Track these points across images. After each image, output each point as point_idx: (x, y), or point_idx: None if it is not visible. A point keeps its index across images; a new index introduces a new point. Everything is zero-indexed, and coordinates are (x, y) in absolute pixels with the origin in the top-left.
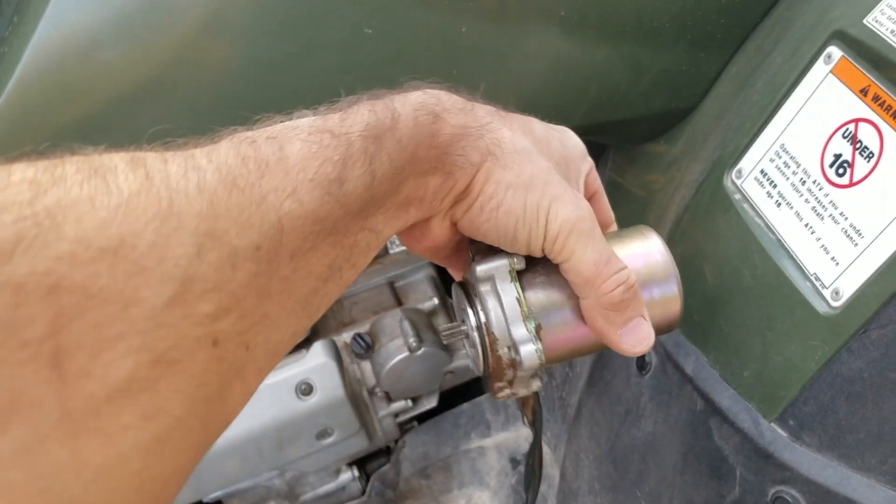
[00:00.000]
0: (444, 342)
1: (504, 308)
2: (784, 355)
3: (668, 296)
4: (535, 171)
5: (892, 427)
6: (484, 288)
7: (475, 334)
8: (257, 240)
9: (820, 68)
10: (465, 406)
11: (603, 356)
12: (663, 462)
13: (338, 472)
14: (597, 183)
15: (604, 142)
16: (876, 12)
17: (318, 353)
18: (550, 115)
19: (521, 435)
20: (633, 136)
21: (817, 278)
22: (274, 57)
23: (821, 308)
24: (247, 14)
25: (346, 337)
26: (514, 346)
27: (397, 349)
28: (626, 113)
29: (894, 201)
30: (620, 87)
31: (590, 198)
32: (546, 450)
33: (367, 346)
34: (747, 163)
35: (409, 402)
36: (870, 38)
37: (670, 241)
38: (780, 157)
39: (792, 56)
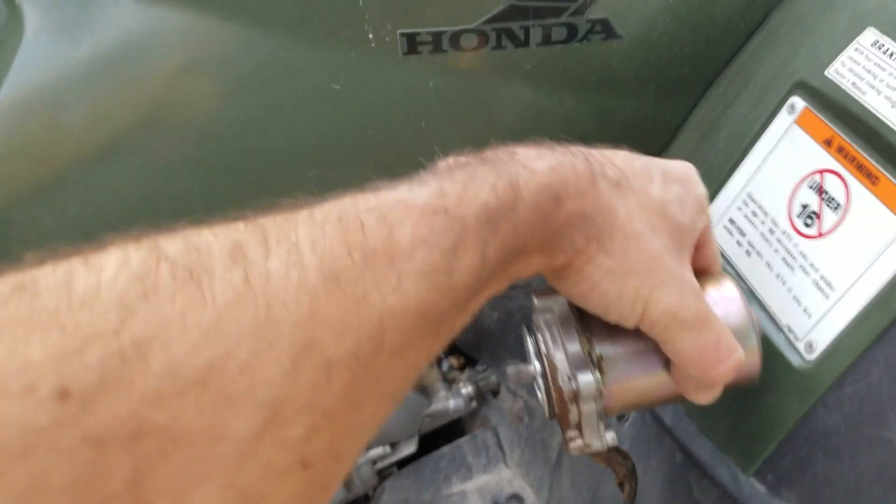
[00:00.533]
0: (512, 385)
1: (563, 335)
2: (760, 409)
3: (748, 350)
4: (640, 256)
5: (869, 482)
6: (544, 318)
7: (537, 365)
8: (355, 346)
9: (784, 118)
10: (446, 449)
11: None
12: None
13: None
14: (706, 236)
15: None
16: (836, 64)
17: None
18: None
19: (503, 477)
20: None
21: (790, 330)
22: (240, 115)
23: (795, 361)
24: (211, 75)
25: None
26: (573, 376)
27: None
28: None
29: (863, 254)
30: (587, 136)
31: (698, 249)
32: (529, 492)
33: None
34: (716, 210)
35: (388, 448)
36: (831, 89)
37: None
38: (748, 206)
39: (756, 105)
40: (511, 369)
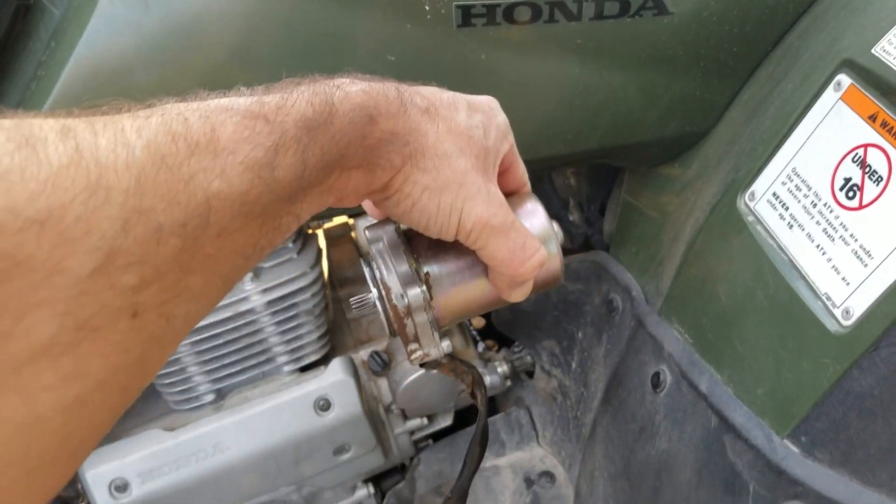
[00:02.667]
0: (355, 314)
1: (392, 259)
2: (796, 373)
3: (550, 255)
4: (452, 173)
5: None
6: (375, 247)
7: (374, 291)
8: (183, 217)
9: (830, 95)
10: None
11: (618, 375)
12: (678, 479)
13: (354, 488)
14: (513, 157)
15: (619, 165)
16: (884, 42)
17: (336, 370)
18: (566, 139)
19: (535, 455)
20: (647, 159)
21: (828, 298)
22: None
23: (832, 327)
24: (273, 42)
25: (363, 354)
26: (404, 293)
27: (413, 367)
28: (641, 137)
29: None
30: (635, 113)
31: (506, 170)
32: (561, 470)
33: (384, 364)
34: (760, 186)
35: (425, 420)
36: (878, 66)
37: (685, 263)
38: (792, 181)
39: (802, 83)
40: (353, 300)
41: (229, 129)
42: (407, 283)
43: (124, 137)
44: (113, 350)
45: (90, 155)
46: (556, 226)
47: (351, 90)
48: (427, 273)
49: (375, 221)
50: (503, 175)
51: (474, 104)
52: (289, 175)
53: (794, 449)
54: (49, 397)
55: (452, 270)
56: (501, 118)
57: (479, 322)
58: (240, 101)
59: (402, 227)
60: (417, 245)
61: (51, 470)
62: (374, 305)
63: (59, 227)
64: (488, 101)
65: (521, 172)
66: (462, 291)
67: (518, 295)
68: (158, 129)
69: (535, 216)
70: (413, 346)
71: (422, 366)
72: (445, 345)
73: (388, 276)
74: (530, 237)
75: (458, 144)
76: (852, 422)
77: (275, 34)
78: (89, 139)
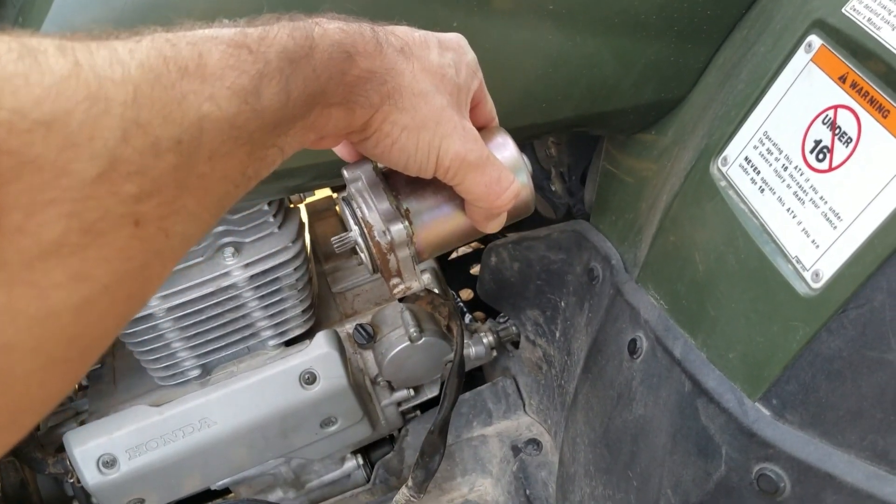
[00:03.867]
0: (337, 251)
1: (373, 197)
2: (767, 336)
3: (521, 185)
4: (429, 111)
5: (870, 404)
6: (355, 186)
7: (355, 229)
8: (178, 134)
9: (801, 57)
10: (467, 395)
11: (597, 343)
12: (653, 443)
13: (343, 460)
14: (482, 93)
15: (597, 133)
16: (853, 1)
17: (320, 344)
18: (542, 108)
19: (522, 423)
20: (623, 126)
21: (798, 261)
22: None
23: (801, 290)
24: (247, 4)
25: (348, 327)
26: (386, 229)
27: (398, 339)
28: (616, 104)
29: (871, 185)
30: (609, 80)
31: (476, 105)
32: (547, 437)
33: (369, 337)
34: (732, 150)
35: (411, 392)
36: (848, 26)
37: (661, 230)
38: (764, 144)
39: (774, 46)
40: (334, 239)
41: (216, 56)
42: (389, 219)
43: (118, 56)
44: (117, 256)
45: (89, 68)
46: (525, 157)
47: (329, 27)
48: (407, 209)
49: (352, 163)
50: (474, 110)
51: (444, 42)
52: (273, 104)
53: (766, 412)
54: (59, 295)
55: (431, 206)
56: (471, 55)
57: (467, 294)
58: (224, 32)
59: (380, 166)
60: (395, 182)
61: (63, 366)
62: (356, 244)
63: (64, 131)
64: (458, 39)
65: (490, 107)
66: (441, 225)
67: (494, 226)
68: (150, 52)
69: (505, 148)
70: (395, 280)
71: (401, 300)
72: (426, 278)
73: (369, 213)
74: (504, 170)
75: (433, 82)
76: (822, 384)
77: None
78: (87, 55)
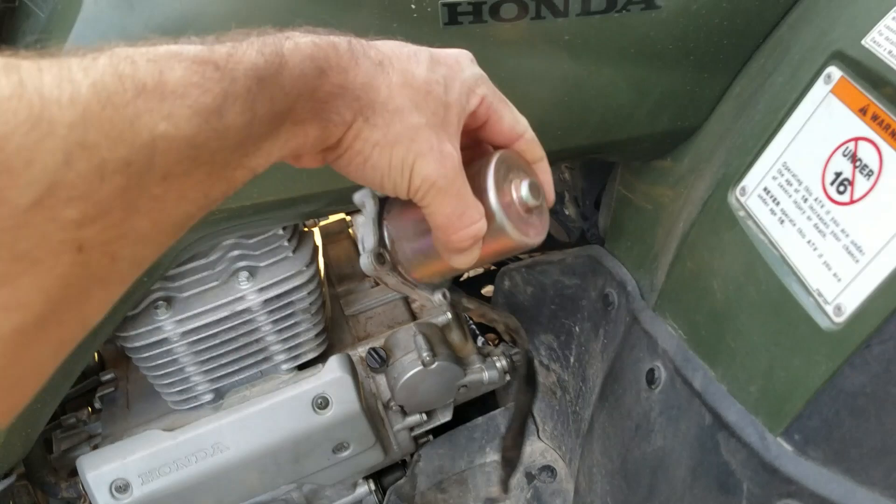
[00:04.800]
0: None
1: (367, 228)
2: (789, 370)
3: (495, 229)
4: (403, 128)
5: (895, 441)
6: (359, 218)
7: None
8: (128, 155)
9: (820, 88)
10: (480, 420)
11: (614, 371)
12: (673, 477)
13: (354, 485)
14: (489, 111)
15: (611, 160)
16: (874, 33)
17: (333, 368)
18: (556, 135)
19: (535, 449)
20: (639, 154)
21: (820, 294)
22: None
23: (823, 324)
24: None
25: (361, 351)
26: (372, 262)
27: (411, 363)
28: (631, 132)
29: (894, 219)
30: (625, 108)
31: (484, 123)
32: (562, 464)
33: (381, 361)
34: (751, 180)
35: (424, 416)
36: (868, 58)
37: (678, 258)
38: (783, 175)
39: (792, 76)
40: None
41: (178, 73)
42: (373, 252)
43: (70, 75)
44: (55, 283)
45: (34, 89)
46: (507, 209)
47: (301, 41)
48: (392, 239)
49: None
50: (482, 128)
51: (439, 57)
52: (237, 123)
53: (788, 447)
54: None
55: (409, 234)
56: (469, 72)
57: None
58: (189, 48)
59: (378, 193)
60: (390, 209)
61: None
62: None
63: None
64: (457, 55)
65: (507, 126)
66: (418, 255)
67: (460, 261)
68: (105, 69)
69: (488, 191)
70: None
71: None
72: (436, 297)
73: (361, 245)
74: (472, 207)
75: (414, 99)
76: (845, 420)
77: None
78: (34, 75)
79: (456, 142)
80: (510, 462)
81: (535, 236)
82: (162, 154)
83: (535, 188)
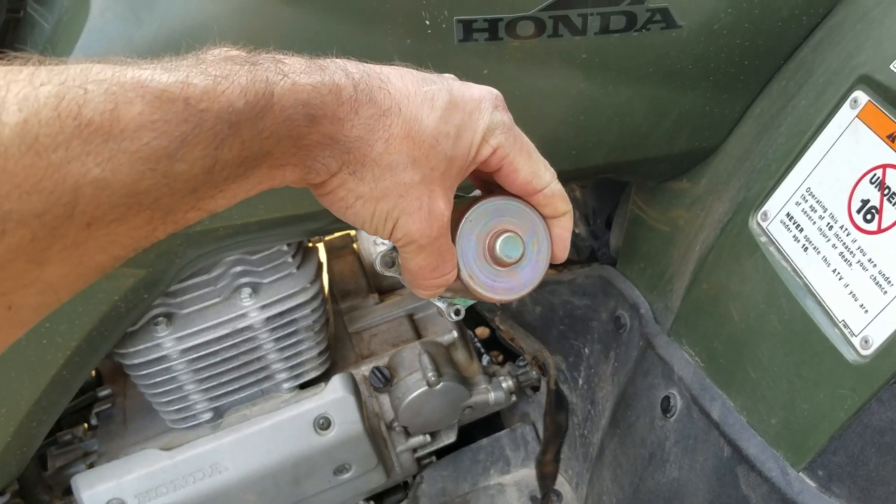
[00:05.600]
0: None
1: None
2: (812, 403)
3: (465, 282)
4: (392, 185)
5: None
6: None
7: None
8: (41, 207)
9: (846, 112)
10: (485, 441)
11: (626, 396)
12: None
13: None
14: (502, 161)
15: (626, 180)
16: None
17: (336, 388)
18: (571, 155)
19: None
20: (654, 174)
21: (846, 325)
22: None
23: (850, 356)
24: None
25: (364, 370)
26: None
27: (416, 383)
28: (648, 153)
29: None
30: (642, 128)
31: (497, 170)
32: (568, 488)
33: (385, 380)
34: (773, 205)
35: (428, 437)
36: None
37: (695, 282)
38: (807, 201)
39: (817, 99)
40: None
41: (135, 110)
42: (380, 256)
43: (4, 105)
44: None
45: None
46: (475, 261)
47: (300, 82)
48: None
49: None
50: (496, 175)
51: (458, 102)
52: (193, 169)
53: (811, 483)
54: None
55: None
56: (487, 120)
57: (483, 332)
58: (162, 78)
59: None
60: None
61: None
62: None
63: None
64: (480, 98)
65: (521, 178)
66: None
67: (420, 293)
68: (46, 103)
69: (456, 244)
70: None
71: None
72: (451, 312)
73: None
74: (447, 262)
75: (412, 154)
76: (871, 457)
77: (283, 33)
78: None
79: (451, 193)
80: (546, 476)
81: (507, 293)
82: (88, 201)
83: (513, 243)
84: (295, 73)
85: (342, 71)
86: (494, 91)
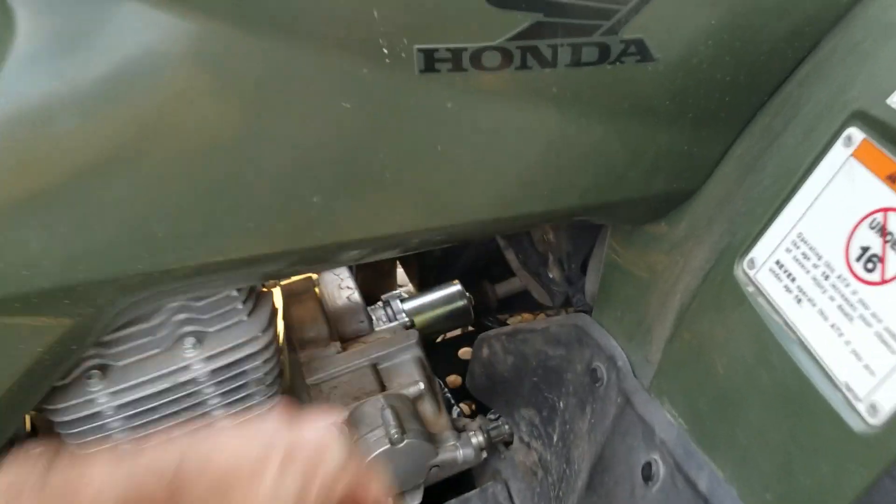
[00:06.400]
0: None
1: None
2: (814, 478)
3: None
4: None
5: None
6: None
7: None
8: None
9: (839, 151)
10: (453, 502)
11: (604, 459)
12: None
13: None
14: (360, 485)
15: (600, 223)
16: None
17: None
18: (542, 196)
19: None
20: (631, 217)
21: (849, 388)
22: (242, 133)
23: (856, 425)
24: (212, 87)
25: None
26: None
27: (377, 441)
28: (624, 194)
29: None
30: (618, 168)
31: (350, 497)
32: None
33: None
34: (760, 252)
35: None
36: (895, 119)
37: (676, 335)
38: (798, 248)
39: (805, 137)
40: None
41: None
42: None
43: None
44: None
45: None
46: None
47: (109, 482)
48: None
49: None
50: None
51: (294, 453)
52: None
53: None
54: None
55: None
56: (332, 463)
57: (454, 380)
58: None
59: None
60: None
61: None
62: None
63: None
64: (318, 442)
65: (374, 491)
66: None
67: None
68: None
69: None
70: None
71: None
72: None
73: None
74: None
75: None
76: None
77: (213, 79)
78: None
79: None
80: None
81: None
82: None
83: None
84: (101, 476)
85: (156, 455)
86: (329, 427)
